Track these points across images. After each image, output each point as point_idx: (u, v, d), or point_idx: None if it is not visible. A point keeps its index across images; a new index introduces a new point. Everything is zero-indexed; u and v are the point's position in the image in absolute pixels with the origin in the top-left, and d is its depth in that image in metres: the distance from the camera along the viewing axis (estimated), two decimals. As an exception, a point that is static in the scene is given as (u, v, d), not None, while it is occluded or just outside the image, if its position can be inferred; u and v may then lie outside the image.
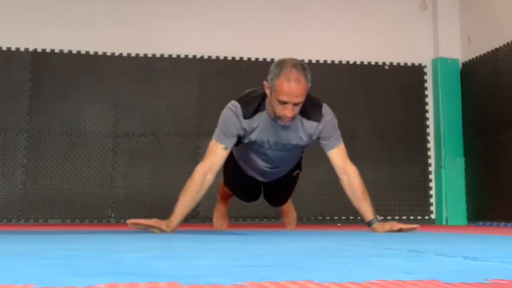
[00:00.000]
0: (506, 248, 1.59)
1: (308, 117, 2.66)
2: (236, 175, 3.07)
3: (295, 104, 2.52)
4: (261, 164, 2.87)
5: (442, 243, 1.88)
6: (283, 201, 3.46)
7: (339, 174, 2.76)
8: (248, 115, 2.64)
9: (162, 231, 2.50)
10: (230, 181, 3.22)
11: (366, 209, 2.73)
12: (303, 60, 5.15)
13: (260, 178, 3.00)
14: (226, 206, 3.51)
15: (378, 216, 2.75)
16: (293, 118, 2.57)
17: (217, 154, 2.66)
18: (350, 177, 2.73)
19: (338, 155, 2.75)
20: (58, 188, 4.66)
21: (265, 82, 2.59)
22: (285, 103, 2.50)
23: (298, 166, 3.10)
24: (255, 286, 0.77)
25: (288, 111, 2.52)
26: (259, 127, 2.66)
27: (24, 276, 0.87)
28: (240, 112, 2.63)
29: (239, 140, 2.74)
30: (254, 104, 2.65)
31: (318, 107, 2.68)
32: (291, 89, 2.47)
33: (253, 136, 2.68)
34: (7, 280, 0.80)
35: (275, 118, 2.59)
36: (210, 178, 2.64)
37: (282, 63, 2.55)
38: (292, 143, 2.73)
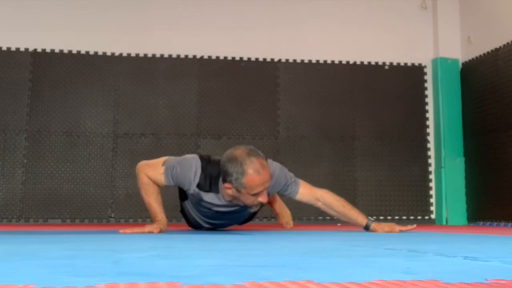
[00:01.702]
0: (506, 248, 1.59)
1: None
2: (189, 222, 3.04)
3: (268, 187, 2.47)
4: (210, 223, 2.84)
5: (442, 243, 1.88)
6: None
7: (315, 204, 2.76)
8: (201, 187, 2.55)
9: (160, 231, 2.52)
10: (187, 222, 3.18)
11: (355, 217, 2.73)
12: (302, 61, 5.18)
13: (212, 227, 3.00)
14: None
15: (370, 217, 2.75)
16: None
17: (157, 179, 2.63)
18: (324, 200, 2.73)
19: (304, 195, 2.72)
20: (58, 188, 4.66)
21: (226, 185, 2.45)
22: (260, 191, 2.44)
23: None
24: (255, 286, 0.77)
25: (264, 197, 2.46)
26: (211, 202, 2.60)
27: (24, 276, 0.87)
28: (196, 180, 2.54)
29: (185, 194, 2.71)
30: (211, 183, 2.54)
31: None
32: (263, 178, 2.40)
33: (202, 203, 2.63)
34: (7, 280, 0.80)
35: (245, 205, 2.53)
36: None
37: (237, 160, 2.40)
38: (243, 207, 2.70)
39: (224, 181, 2.45)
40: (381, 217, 4.85)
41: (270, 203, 3.47)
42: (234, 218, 2.85)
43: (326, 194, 2.74)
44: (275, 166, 2.65)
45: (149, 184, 2.64)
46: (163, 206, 2.65)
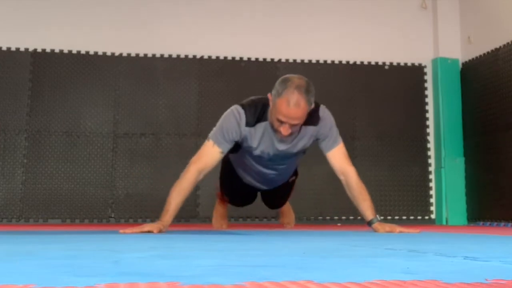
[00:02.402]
0: (506, 248, 1.59)
1: (306, 123, 2.61)
2: (232, 181, 3.07)
3: (293, 125, 2.50)
4: (260, 173, 2.87)
5: (442, 243, 1.88)
6: (280, 205, 3.49)
7: (338, 175, 2.77)
8: (250, 123, 2.60)
9: (159, 231, 2.51)
10: (226, 186, 3.22)
11: (365, 208, 2.73)
12: (302, 61, 5.18)
13: (258, 186, 3.01)
14: (225, 206, 3.51)
15: (378, 216, 2.74)
16: (291, 135, 2.55)
17: (212, 156, 2.64)
18: (347, 178, 2.73)
19: (335, 157, 2.74)
20: (58, 188, 4.66)
21: (269, 94, 2.56)
22: (283, 122, 2.48)
23: (294, 172, 3.10)
24: (255, 286, 0.77)
25: (284, 130, 2.49)
26: (260, 137, 2.63)
27: (24, 276, 0.87)
28: (243, 119, 2.60)
29: (238, 146, 2.73)
30: (257, 112, 2.61)
31: (315, 111, 2.64)
32: (289, 111, 2.44)
33: (253, 146, 2.66)
34: (7, 280, 0.80)
35: (274, 130, 2.58)
36: (200, 178, 2.66)
37: (286, 82, 2.48)
38: (293, 152, 2.73)
39: (272, 91, 2.54)
40: (381, 217, 4.83)
41: None
42: (282, 170, 2.85)
43: (352, 174, 2.73)
44: (327, 113, 2.70)
45: (188, 183, 2.59)
46: (177, 212, 2.61)
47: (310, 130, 2.66)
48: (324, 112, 2.69)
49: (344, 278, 0.85)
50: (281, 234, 2.66)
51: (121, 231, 2.51)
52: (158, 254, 1.30)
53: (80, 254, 1.30)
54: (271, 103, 2.54)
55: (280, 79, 2.53)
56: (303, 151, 2.81)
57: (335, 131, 2.74)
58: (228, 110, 2.68)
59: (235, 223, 4.53)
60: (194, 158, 2.67)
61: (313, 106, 2.53)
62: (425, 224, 4.96)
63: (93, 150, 4.77)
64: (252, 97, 2.71)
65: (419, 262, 1.12)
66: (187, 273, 0.92)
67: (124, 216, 4.72)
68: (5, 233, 2.52)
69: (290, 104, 2.43)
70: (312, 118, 2.63)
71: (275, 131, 2.56)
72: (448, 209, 5.04)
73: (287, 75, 2.56)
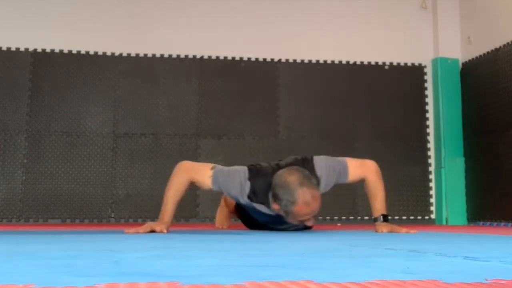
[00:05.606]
0: (506, 248, 1.59)
1: None
2: (248, 217, 3.02)
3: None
4: (269, 224, 2.84)
5: (442, 243, 1.88)
6: None
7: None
8: (252, 199, 2.57)
9: (161, 231, 2.51)
10: (241, 216, 3.20)
11: (374, 206, 2.74)
12: (302, 61, 5.17)
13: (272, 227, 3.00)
14: (230, 209, 3.51)
15: (381, 216, 2.74)
16: None
17: (204, 183, 2.60)
18: (366, 181, 2.75)
19: (353, 176, 2.72)
20: (58, 188, 4.66)
21: (274, 205, 2.47)
22: (307, 219, 2.48)
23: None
24: (255, 286, 0.77)
25: (310, 222, 2.51)
26: (263, 212, 2.60)
27: (24, 276, 0.87)
28: (246, 191, 2.55)
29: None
30: (262, 195, 2.53)
31: (312, 173, 2.57)
32: (312, 209, 2.42)
33: (254, 214, 2.67)
34: (7, 280, 0.80)
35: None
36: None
37: (289, 187, 2.40)
38: None
39: (274, 200, 2.47)
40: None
41: None
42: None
43: (369, 177, 2.71)
44: (321, 164, 2.62)
45: (182, 185, 2.60)
46: (175, 211, 2.61)
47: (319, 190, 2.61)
48: (318, 165, 2.61)
49: (344, 278, 0.85)
50: (281, 234, 2.66)
51: (126, 231, 2.51)
52: (158, 254, 1.30)
53: (80, 254, 1.30)
54: (282, 213, 2.46)
55: (277, 188, 2.44)
56: None
57: (335, 163, 2.68)
58: (238, 172, 2.58)
59: (235, 223, 4.53)
60: (189, 167, 2.65)
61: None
62: (425, 224, 4.96)
63: (93, 150, 4.77)
64: (265, 170, 2.59)
65: (419, 262, 1.12)
66: (187, 273, 0.92)
67: (124, 216, 4.72)
68: (5, 233, 2.52)
69: (309, 204, 2.40)
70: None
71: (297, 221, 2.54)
72: (448, 209, 5.04)
73: (278, 178, 2.46)
